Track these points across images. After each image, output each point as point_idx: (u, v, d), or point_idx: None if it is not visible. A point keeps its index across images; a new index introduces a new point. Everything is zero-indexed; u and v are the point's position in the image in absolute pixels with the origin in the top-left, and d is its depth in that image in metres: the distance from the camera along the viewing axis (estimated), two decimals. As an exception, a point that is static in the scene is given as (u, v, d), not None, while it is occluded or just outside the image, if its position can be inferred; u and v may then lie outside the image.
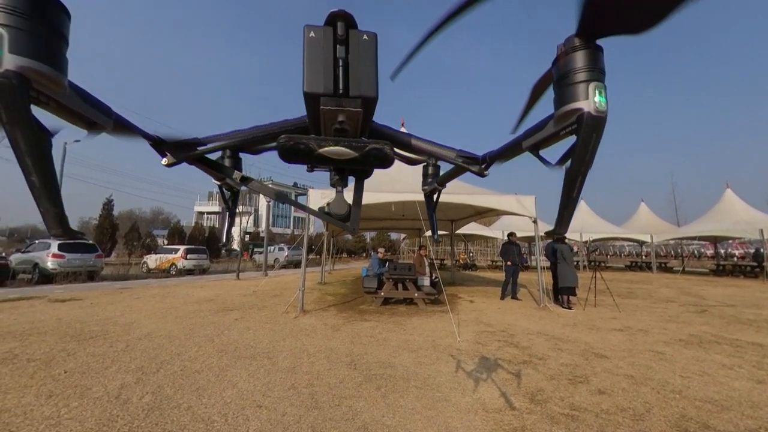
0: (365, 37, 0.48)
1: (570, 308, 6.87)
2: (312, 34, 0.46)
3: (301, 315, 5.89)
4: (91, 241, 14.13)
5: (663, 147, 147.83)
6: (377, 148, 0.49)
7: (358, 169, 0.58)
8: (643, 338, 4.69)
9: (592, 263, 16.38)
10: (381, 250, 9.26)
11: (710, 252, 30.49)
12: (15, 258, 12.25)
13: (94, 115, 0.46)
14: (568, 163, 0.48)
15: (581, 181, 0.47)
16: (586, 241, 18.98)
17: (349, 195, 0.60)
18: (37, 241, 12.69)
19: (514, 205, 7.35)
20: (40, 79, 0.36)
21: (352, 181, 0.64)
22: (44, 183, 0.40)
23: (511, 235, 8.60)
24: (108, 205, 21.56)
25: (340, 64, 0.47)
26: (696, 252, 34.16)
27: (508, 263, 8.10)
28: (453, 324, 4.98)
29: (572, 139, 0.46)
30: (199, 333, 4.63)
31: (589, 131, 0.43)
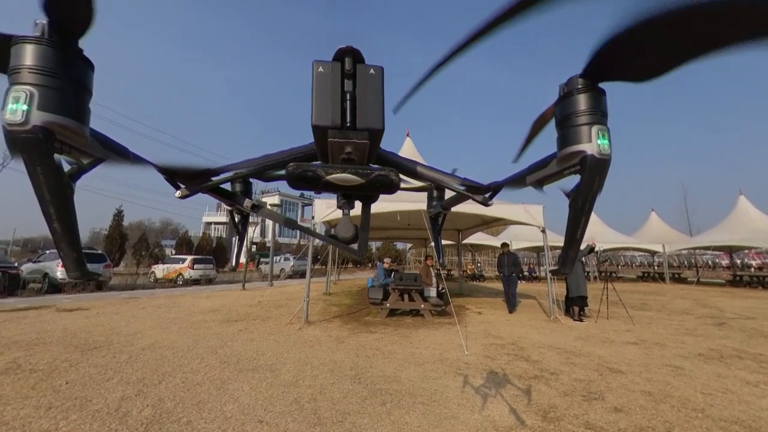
0: (372, 71, 0.49)
1: (581, 320, 6.67)
2: (320, 69, 0.47)
3: (305, 326, 5.81)
4: (99, 251, 14.32)
5: (672, 155, 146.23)
6: (383, 174, 0.50)
7: (365, 194, 0.60)
8: (659, 352, 4.50)
9: (603, 274, 16.02)
10: (387, 260, 9.14)
11: (725, 262, 29.69)
12: (26, 267, 12.42)
13: (113, 158, 0.49)
14: (572, 203, 0.49)
15: (585, 221, 0.48)
16: (597, 251, 18.61)
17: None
18: (47, 252, 12.88)
19: (522, 214, 7.25)
20: (64, 132, 0.38)
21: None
22: (65, 230, 0.42)
23: (503, 245, 8.49)
24: (118, 216, 21.87)
25: (348, 97, 0.48)
26: (710, 262, 33.28)
27: (502, 274, 8.11)
28: (461, 336, 4.86)
29: (576, 177, 0.48)
30: (202, 344, 4.58)
31: (592, 174, 0.44)
